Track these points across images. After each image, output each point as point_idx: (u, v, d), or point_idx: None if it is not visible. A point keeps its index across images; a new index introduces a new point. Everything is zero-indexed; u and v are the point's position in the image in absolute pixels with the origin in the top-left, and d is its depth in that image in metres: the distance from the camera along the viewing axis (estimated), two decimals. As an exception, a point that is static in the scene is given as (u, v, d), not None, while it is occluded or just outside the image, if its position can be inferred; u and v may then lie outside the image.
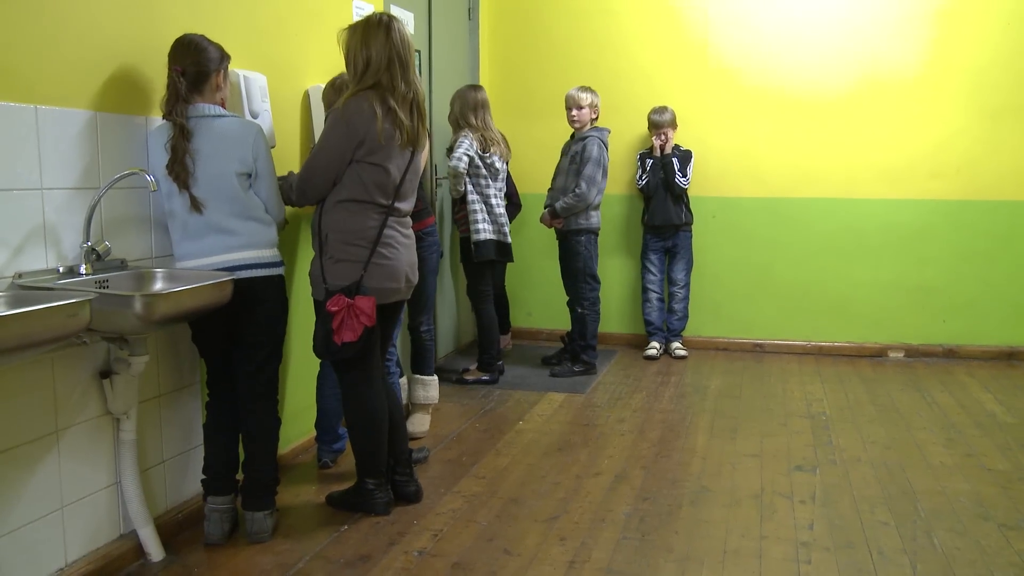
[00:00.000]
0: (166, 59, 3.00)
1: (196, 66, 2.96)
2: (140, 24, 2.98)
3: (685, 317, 6.15)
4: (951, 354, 6.04)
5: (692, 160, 5.96)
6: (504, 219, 5.26)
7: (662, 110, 5.94)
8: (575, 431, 4.47)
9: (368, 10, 4.57)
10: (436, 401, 4.55)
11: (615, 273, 6.43)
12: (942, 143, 5.91)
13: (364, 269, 3.23)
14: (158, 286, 2.90)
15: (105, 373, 2.84)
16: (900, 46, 5.91)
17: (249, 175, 3.05)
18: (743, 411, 4.85)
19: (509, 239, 5.31)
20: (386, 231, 3.28)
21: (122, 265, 2.91)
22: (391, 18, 3.24)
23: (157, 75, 3.05)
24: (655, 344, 6.09)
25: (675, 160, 5.89)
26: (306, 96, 4.05)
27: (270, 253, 3.12)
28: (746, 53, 6.10)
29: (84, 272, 2.71)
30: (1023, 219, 5.91)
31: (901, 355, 6.09)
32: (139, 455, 2.97)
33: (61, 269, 2.68)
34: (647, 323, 6.16)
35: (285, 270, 3.24)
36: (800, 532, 3.28)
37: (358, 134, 3.16)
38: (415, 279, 3.47)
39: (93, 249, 2.74)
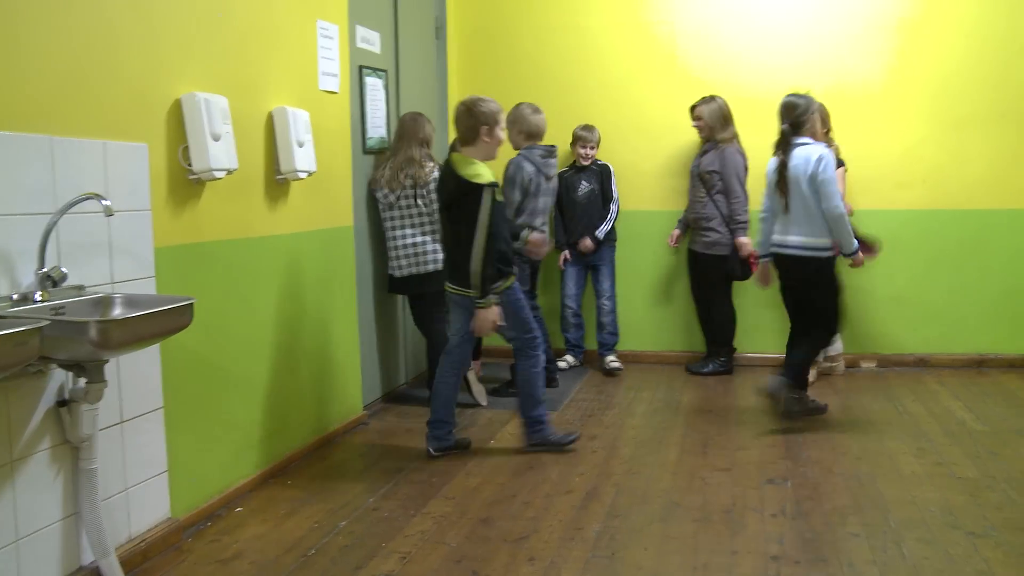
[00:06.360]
0: (126, 82, 3.06)
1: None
2: (98, 46, 2.96)
3: (615, 332, 6.15)
4: (922, 363, 6.07)
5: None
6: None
7: (591, 127, 6.03)
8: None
9: (332, 32, 4.56)
10: None
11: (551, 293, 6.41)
12: (908, 153, 5.96)
13: None
14: (116, 312, 2.86)
15: (62, 402, 2.80)
16: (864, 58, 5.98)
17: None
18: (715, 425, 4.84)
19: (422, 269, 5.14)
20: None
21: (80, 291, 2.87)
22: None
23: (118, 99, 3.05)
24: (568, 357, 6.17)
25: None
26: (269, 118, 4.03)
27: (817, 241, 4.59)
28: (713, 66, 6.14)
29: (39, 299, 2.67)
30: (990, 227, 5.98)
31: (873, 365, 6.12)
32: (100, 483, 2.92)
33: (15, 296, 2.64)
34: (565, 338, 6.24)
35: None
36: (770, 546, 3.27)
37: None
38: None
39: (48, 275, 2.71)
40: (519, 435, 4.51)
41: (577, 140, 6.03)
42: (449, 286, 4.34)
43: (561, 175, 6.06)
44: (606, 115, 6.23)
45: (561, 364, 6.06)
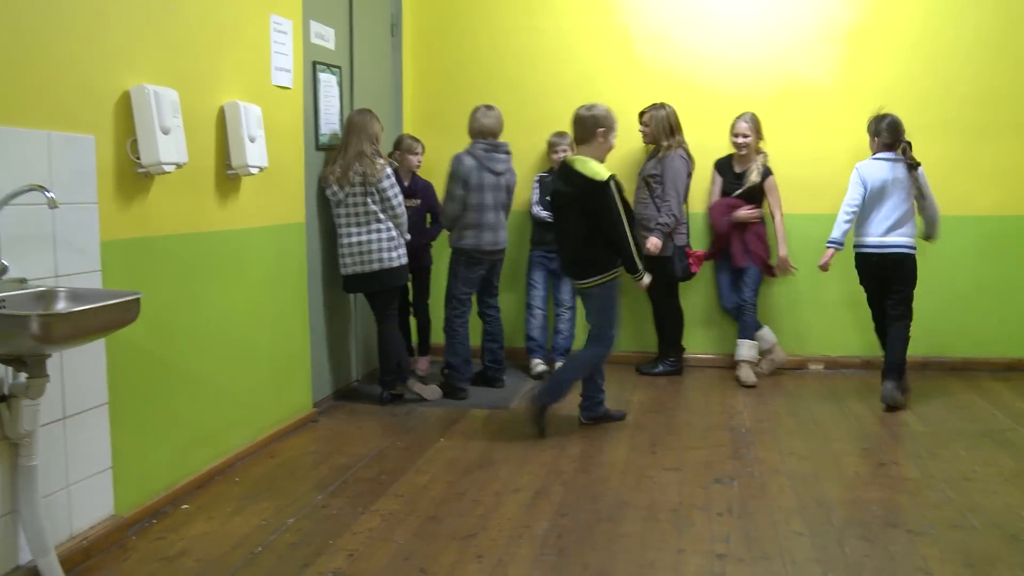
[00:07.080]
0: (73, 72, 3.02)
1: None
2: (43, 33, 2.91)
3: (571, 336, 6.16)
4: (868, 365, 6.16)
5: None
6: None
7: (563, 133, 5.97)
8: (496, 447, 4.45)
9: (286, 27, 4.53)
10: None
11: (519, 293, 6.38)
12: (855, 159, 5.99)
13: None
14: (59, 306, 2.82)
15: (2, 397, 2.75)
16: (813, 65, 6.08)
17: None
18: (664, 425, 4.89)
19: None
20: None
21: (22, 284, 2.81)
22: None
23: (64, 89, 3.00)
24: (539, 361, 6.09)
25: None
26: (221, 112, 3.99)
27: (914, 241, 5.16)
28: (668, 70, 6.21)
29: (-22, 292, 2.62)
30: (934, 233, 6.09)
31: (821, 367, 6.21)
32: (40, 480, 2.86)
33: (-47, 290, 2.59)
34: (529, 339, 6.16)
35: None
36: (716, 544, 3.31)
37: None
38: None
39: (-12, 268, 2.66)
40: (580, 409, 4.90)
41: (550, 147, 6.02)
42: (580, 284, 4.73)
43: (542, 179, 6.12)
44: (561, 117, 6.16)
45: (542, 368, 6.03)
